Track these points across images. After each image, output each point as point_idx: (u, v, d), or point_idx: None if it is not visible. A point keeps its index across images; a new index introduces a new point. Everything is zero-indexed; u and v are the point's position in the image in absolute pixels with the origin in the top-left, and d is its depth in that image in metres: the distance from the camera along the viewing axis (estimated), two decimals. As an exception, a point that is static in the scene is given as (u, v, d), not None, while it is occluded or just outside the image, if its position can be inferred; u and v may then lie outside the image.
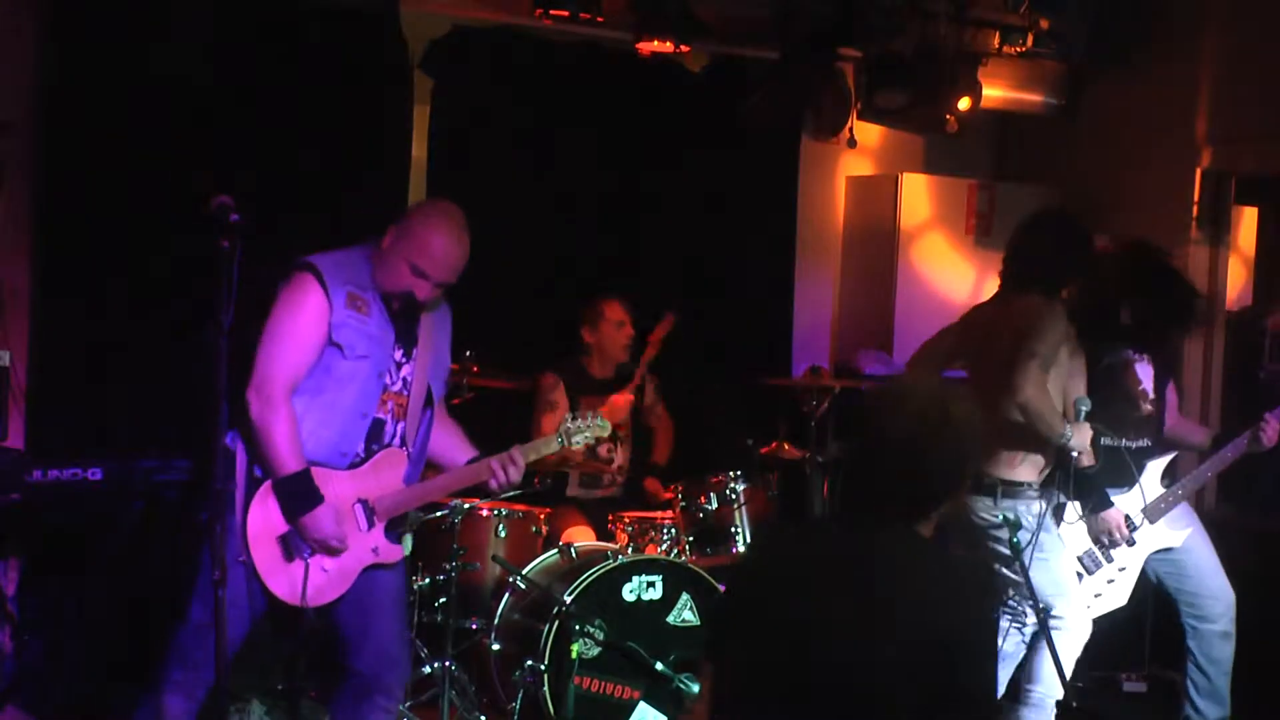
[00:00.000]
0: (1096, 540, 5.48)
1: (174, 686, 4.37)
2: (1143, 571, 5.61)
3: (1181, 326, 5.75)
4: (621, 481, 6.67)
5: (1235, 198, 7.56)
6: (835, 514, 5.05)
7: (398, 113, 6.83)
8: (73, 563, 5.61)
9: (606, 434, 4.94)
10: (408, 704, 5.50)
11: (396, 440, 4.51)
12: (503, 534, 5.99)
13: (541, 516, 6.14)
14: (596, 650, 5.50)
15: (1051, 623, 5.07)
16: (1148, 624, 6.43)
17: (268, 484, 4.33)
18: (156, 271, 6.19)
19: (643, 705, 5.59)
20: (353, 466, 4.44)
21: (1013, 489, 5.15)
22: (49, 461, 5.31)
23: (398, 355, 4.48)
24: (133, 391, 6.18)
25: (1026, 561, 4.85)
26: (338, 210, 6.43)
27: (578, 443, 4.83)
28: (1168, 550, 5.63)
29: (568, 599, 5.48)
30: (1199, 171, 7.36)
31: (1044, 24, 7.19)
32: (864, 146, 7.74)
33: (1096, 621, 5.51)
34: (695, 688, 5.48)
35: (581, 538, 6.17)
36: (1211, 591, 5.64)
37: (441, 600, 5.68)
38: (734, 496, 6.14)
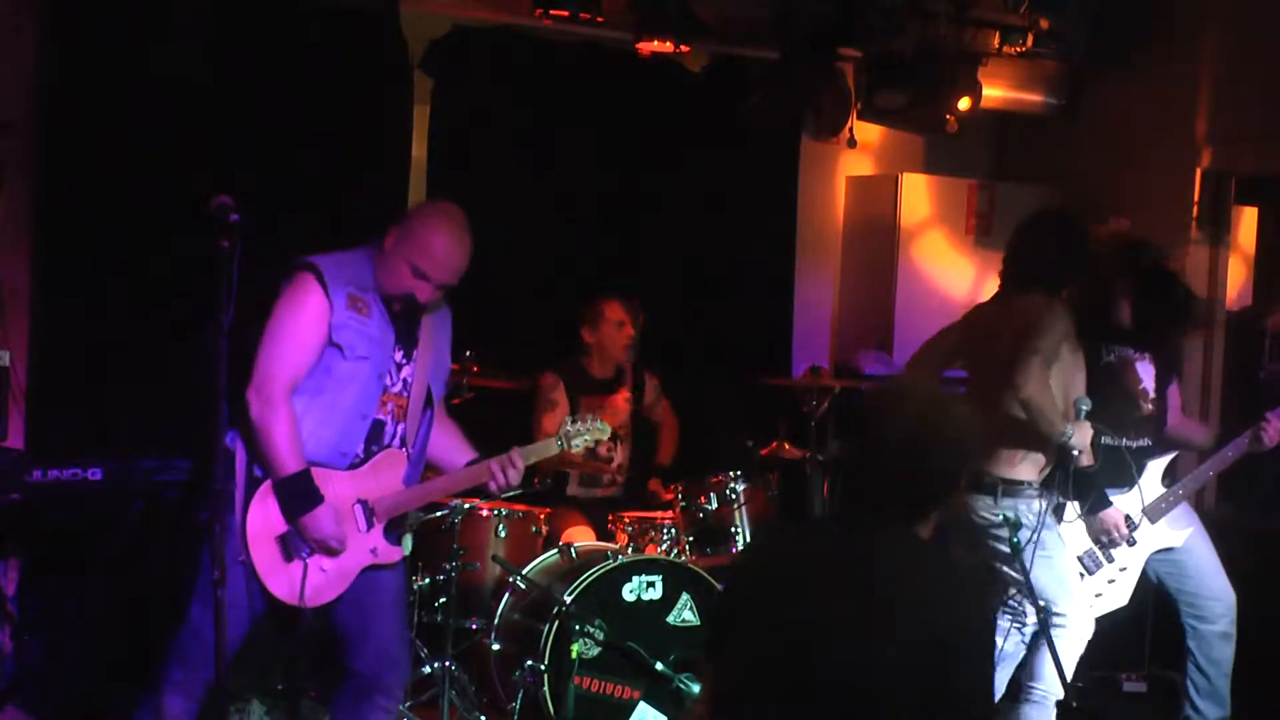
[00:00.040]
0: (1096, 540, 5.47)
1: (174, 686, 4.37)
2: (1143, 572, 5.61)
3: (1180, 327, 5.75)
4: (621, 481, 6.67)
5: (1235, 198, 7.56)
6: (835, 514, 5.05)
7: (398, 113, 6.83)
8: (73, 563, 5.61)
9: (606, 436, 4.96)
10: (408, 704, 5.50)
11: (396, 441, 4.51)
12: (503, 534, 5.99)
13: (541, 516, 6.15)
14: (596, 650, 5.50)
15: (1053, 621, 5.07)
16: (1148, 624, 6.43)
17: (267, 484, 4.33)
18: (156, 271, 6.19)
19: (643, 705, 5.59)
20: (352, 467, 4.44)
21: (1013, 488, 5.15)
22: (49, 461, 5.31)
23: (398, 356, 4.48)
24: (133, 391, 6.18)
25: (1028, 560, 4.86)
26: (338, 210, 6.43)
27: (577, 445, 4.84)
28: (1168, 550, 5.63)
29: (568, 599, 5.48)
30: (1199, 171, 7.36)
31: (1044, 24, 7.19)
32: (864, 146, 7.74)
33: (1097, 621, 5.51)
34: (695, 688, 5.48)
35: (581, 538, 6.17)
36: (1212, 592, 5.64)
37: (441, 600, 5.68)
38: (734, 496, 6.14)
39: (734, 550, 6.08)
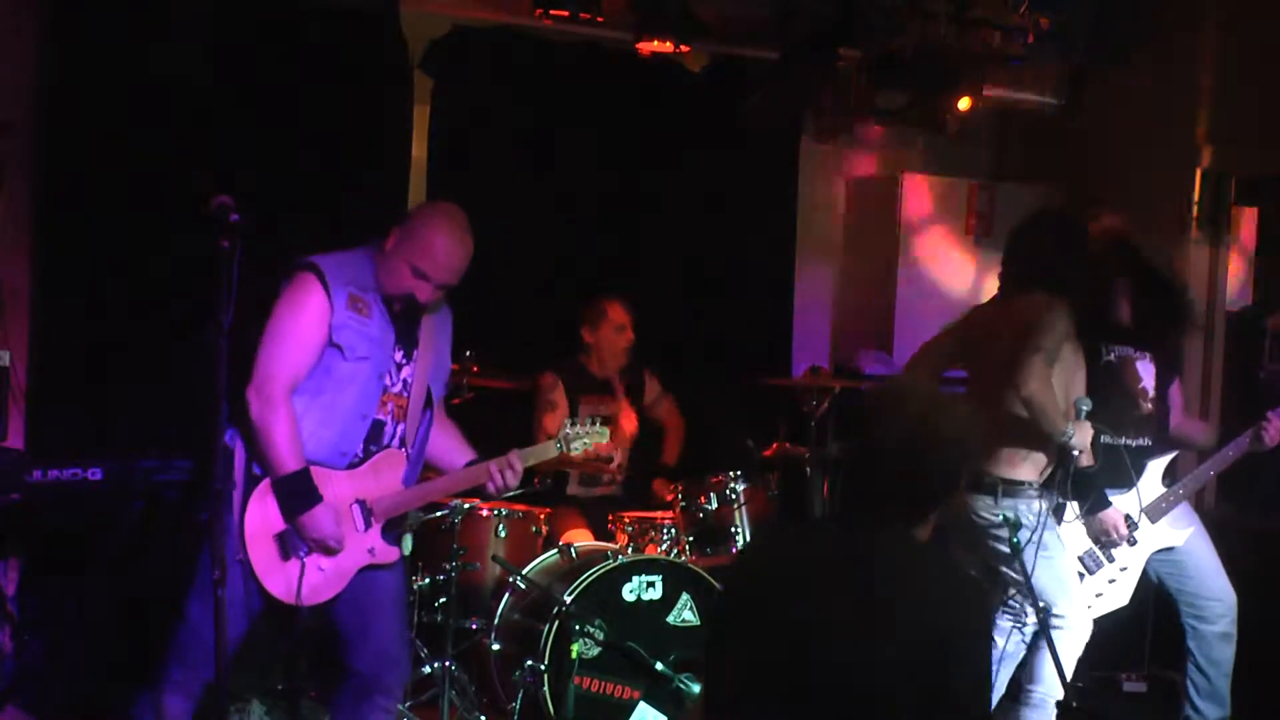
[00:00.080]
0: (1096, 540, 5.47)
1: (174, 686, 4.38)
2: (1144, 572, 5.61)
3: (1178, 327, 5.75)
4: (621, 480, 6.66)
5: (1235, 198, 7.56)
6: (835, 514, 5.05)
7: (398, 113, 6.83)
8: (73, 563, 5.61)
9: (605, 440, 4.96)
10: (408, 704, 5.50)
11: (395, 441, 4.51)
12: (503, 534, 5.99)
13: (541, 516, 6.15)
14: (596, 650, 5.50)
15: (1053, 621, 5.07)
16: (1148, 624, 6.43)
17: (266, 482, 4.34)
18: (156, 271, 6.19)
19: (643, 705, 5.59)
20: (351, 467, 4.44)
21: (1013, 488, 5.14)
22: (49, 461, 5.30)
23: (398, 357, 4.48)
24: (133, 391, 6.18)
25: (1028, 560, 4.85)
26: (338, 210, 6.43)
27: (576, 449, 4.84)
28: (1169, 550, 5.62)
29: (568, 599, 5.48)
30: (1199, 171, 7.36)
31: (1044, 24, 7.19)
32: (864, 146, 7.75)
33: (1097, 621, 5.51)
34: (695, 688, 5.48)
35: (580, 538, 6.17)
36: (1213, 593, 5.64)
37: (441, 600, 5.68)
38: (734, 496, 6.14)
39: (734, 550, 6.08)
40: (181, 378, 5.17)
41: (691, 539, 6.12)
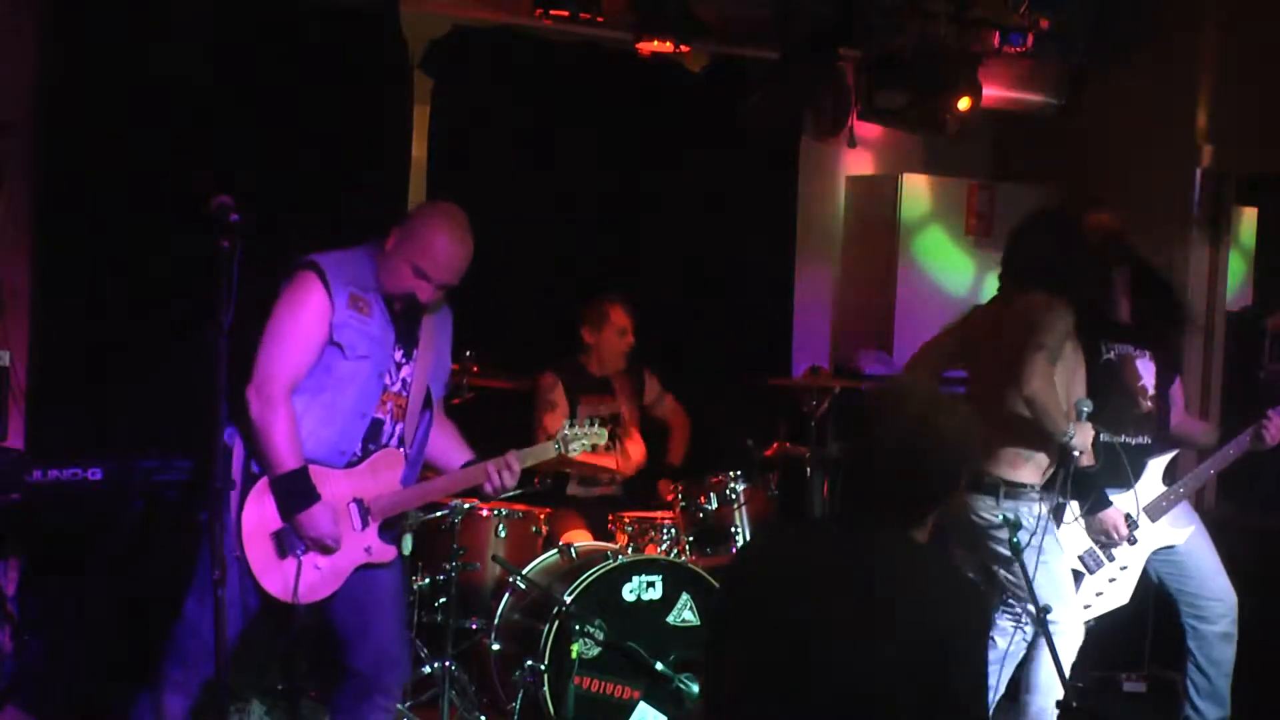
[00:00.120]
0: (1096, 540, 5.47)
1: (173, 686, 4.38)
2: (1144, 571, 5.61)
3: (1174, 327, 5.75)
4: (620, 480, 6.66)
5: (1235, 198, 7.56)
6: (834, 515, 5.05)
7: (398, 113, 6.83)
8: (73, 563, 5.61)
9: (604, 442, 4.98)
10: (408, 704, 5.51)
11: (394, 441, 4.52)
12: (503, 534, 5.99)
13: (541, 516, 6.15)
14: (596, 650, 5.50)
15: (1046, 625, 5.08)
16: (1148, 624, 6.43)
17: (264, 480, 4.34)
18: (156, 271, 6.19)
19: (643, 705, 5.59)
20: (350, 466, 4.45)
21: (1015, 490, 5.14)
22: (49, 461, 5.30)
23: (398, 356, 4.48)
24: (133, 391, 6.18)
25: (1027, 561, 4.85)
26: (338, 210, 6.43)
27: (575, 450, 4.85)
28: (1170, 549, 5.62)
29: (568, 599, 5.48)
30: (1199, 171, 7.36)
31: (1044, 24, 7.19)
32: (864, 146, 7.74)
33: (1097, 621, 5.51)
34: (695, 688, 5.48)
35: (580, 538, 6.17)
36: (1213, 593, 5.63)
37: (441, 600, 5.68)
38: (734, 496, 6.14)
39: (734, 550, 6.08)
40: (181, 378, 5.17)
41: (691, 539, 6.13)
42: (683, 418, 6.88)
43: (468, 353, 5.93)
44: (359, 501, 4.46)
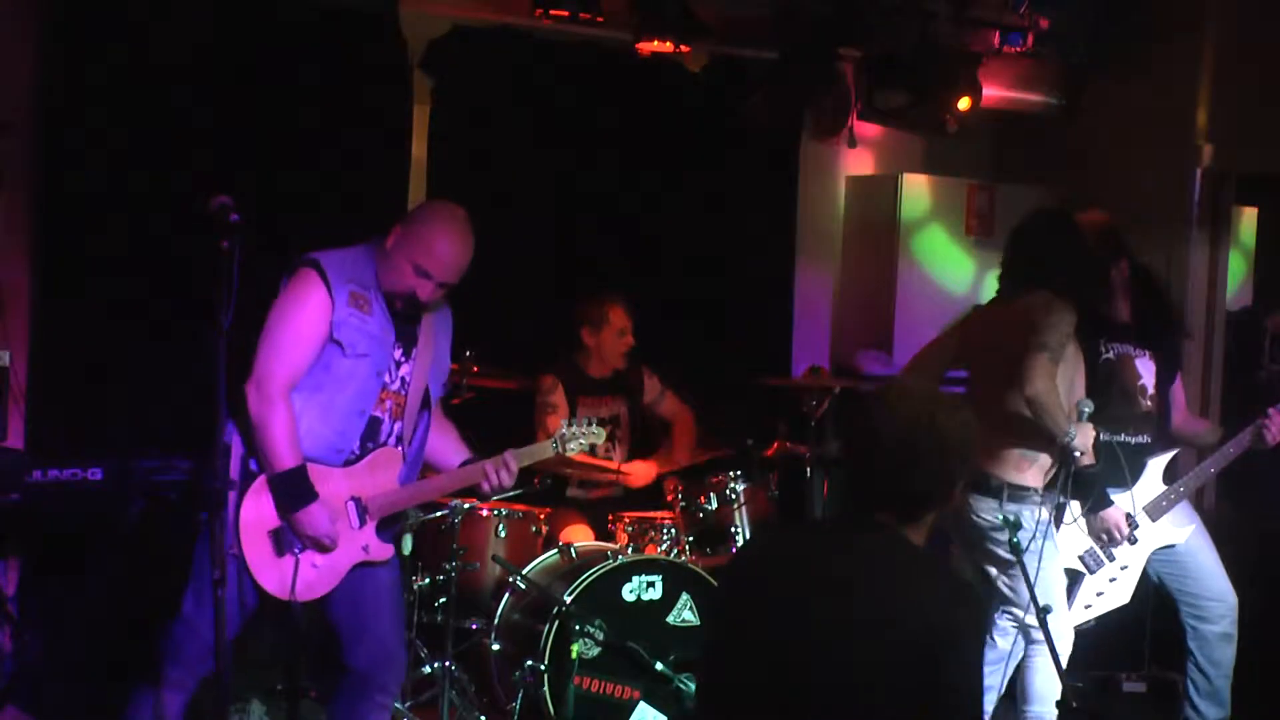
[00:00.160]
0: (1097, 539, 5.47)
1: (171, 684, 4.39)
2: (1144, 572, 5.61)
3: (1168, 328, 5.76)
4: (621, 485, 6.64)
5: (1235, 198, 7.56)
6: (829, 516, 5.07)
7: (398, 113, 6.83)
8: (73, 563, 5.61)
9: (601, 441, 4.98)
10: (408, 704, 5.51)
11: (392, 439, 4.52)
12: (503, 534, 5.99)
13: (541, 516, 6.14)
14: (596, 650, 5.50)
15: (1034, 634, 5.08)
16: (1148, 624, 6.42)
17: (262, 478, 4.35)
18: (156, 271, 6.19)
19: (643, 705, 5.59)
20: (348, 464, 4.45)
21: (1019, 493, 5.14)
22: (49, 461, 5.30)
23: (397, 354, 4.49)
24: (133, 391, 6.18)
25: (1026, 562, 4.85)
26: (338, 210, 6.43)
27: (572, 449, 4.85)
28: (1170, 548, 5.62)
29: (568, 599, 5.48)
30: (1199, 171, 7.36)
31: (1044, 24, 7.19)
32: (864, 146, 7.74)
33: (1098, 621, 5.51)
34: (694, 687, 5.48)
35: (580, 538, 6.17)
36: (1213, 593, 5.63)
37: (441, 600, 5.68)
38: (734, 496, 6.14)
39: (734, 550, 6.08)
40: (181, 378, 5.17)
41: (691, 539, 6.13)
42: (686, 414, 6.84)
43: (468, 353, 5.93)
44: (357, 500, 4.46)
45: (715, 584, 5.64)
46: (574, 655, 5.36)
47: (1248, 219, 8.21)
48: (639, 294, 6.79)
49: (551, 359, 6.64)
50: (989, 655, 5.20)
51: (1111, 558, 5.52)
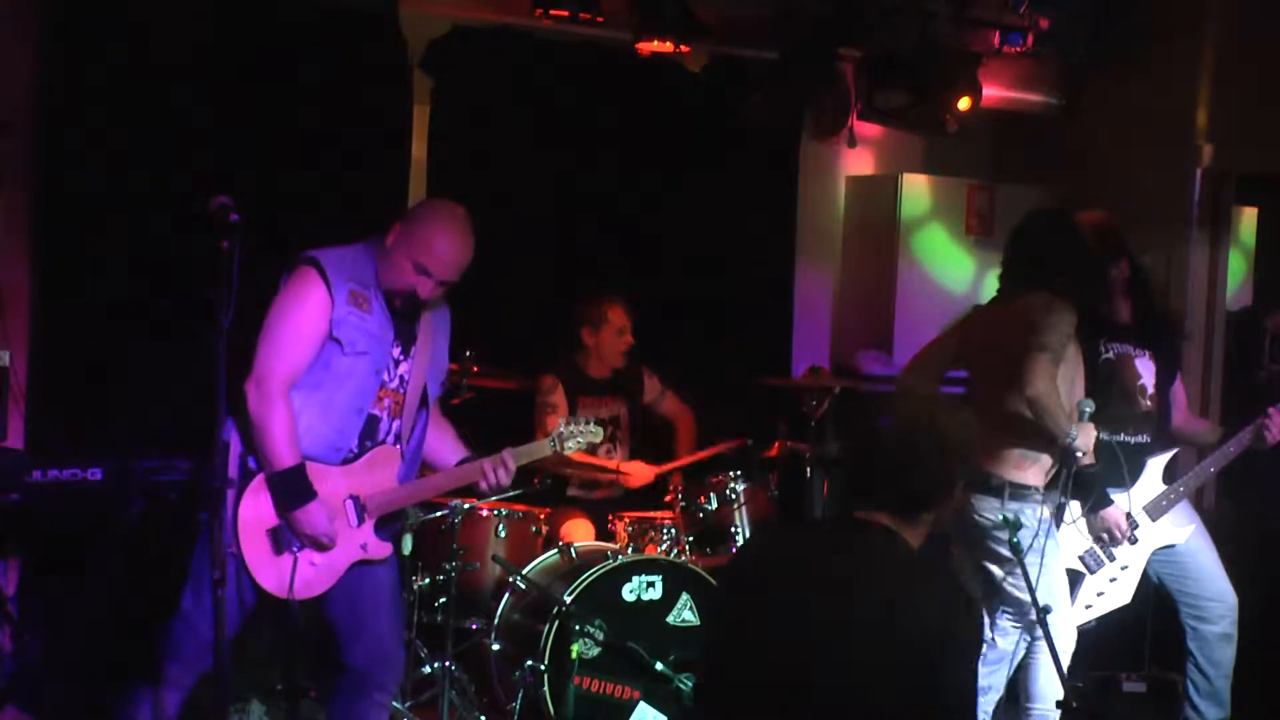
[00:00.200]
0: (1097, 539, 5.47)
1: (170, 683, 4.39)
2: (1144, 571, 5.61)
3: (1165, 329, 5.76)
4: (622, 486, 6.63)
5: (1235, 198, 7.56)
6: (826, 516, 5.07)
7: (398, 113, 6.83)
8: (73, 563, 5.61)
9: (599, 440, 4.98)
10: (408, 704, 5.51)
11: (391, 437, 4.52)
12: (503, 534, 5.99)
13: (541, 516, 6.15)
14: (596, 650, 5.50)
15: (1037, 632, 5.08)
16: (1148, 624, 6.42)
17: (260, 477, 4.35)
18: (156, 271, 6.19)
19: (643, 705, 5.59)
20: (346, 462, 4.45)
21: (1020, 492, 5.14)
22: (49, 461, 5.30)
23: (396, 353, 4.49)
24: (133, 391, 6.18)
25: (1025, 563, 4.85)
26: (338, 210, 6.43)
27: (570, 448, 4.85)
28: (1170, 548, 5.62)
29: (568, 599, 5.48)
30: (1199, 171, 7.36)
31: (1044, 24, 7.19)
32: (864, 146, 7.74)
33: (1098, 621, 5.51)
34: (694, 687, 5.48)
35: (581, 534, 6.17)
36: (1213, 593, 5.63)
37: (441, 600, 5.68)
38: (734, 496, 6.14)
39: (734, 550, 6.08)
40: (181, 378, 5.16)
41: (691, 539, 6.13)
42: (687, 413, 6.84)
43: (468, 352, 5.93)
44: (355, 498, 4.46)
45: (715, 584, 5.64)
46: (574, 655, 5.36)
47: (1248, 219, 8.20)
48: (639, 294, 6.79)
49: (551, 359, 6.64)
50: (990, 655, 5.20)
51: (1112, 558, 5.52)
